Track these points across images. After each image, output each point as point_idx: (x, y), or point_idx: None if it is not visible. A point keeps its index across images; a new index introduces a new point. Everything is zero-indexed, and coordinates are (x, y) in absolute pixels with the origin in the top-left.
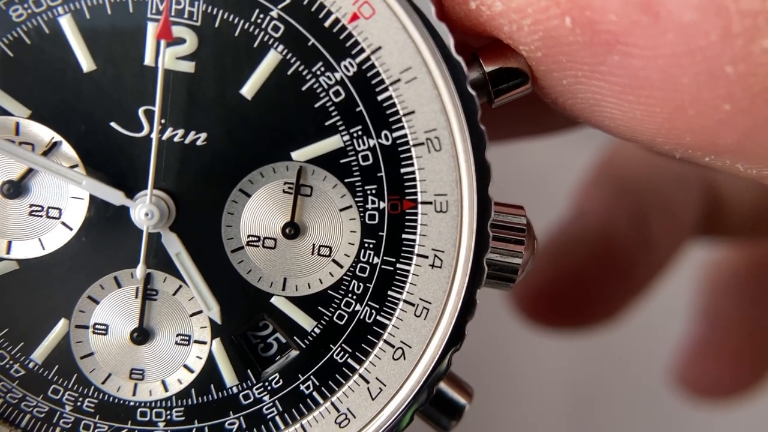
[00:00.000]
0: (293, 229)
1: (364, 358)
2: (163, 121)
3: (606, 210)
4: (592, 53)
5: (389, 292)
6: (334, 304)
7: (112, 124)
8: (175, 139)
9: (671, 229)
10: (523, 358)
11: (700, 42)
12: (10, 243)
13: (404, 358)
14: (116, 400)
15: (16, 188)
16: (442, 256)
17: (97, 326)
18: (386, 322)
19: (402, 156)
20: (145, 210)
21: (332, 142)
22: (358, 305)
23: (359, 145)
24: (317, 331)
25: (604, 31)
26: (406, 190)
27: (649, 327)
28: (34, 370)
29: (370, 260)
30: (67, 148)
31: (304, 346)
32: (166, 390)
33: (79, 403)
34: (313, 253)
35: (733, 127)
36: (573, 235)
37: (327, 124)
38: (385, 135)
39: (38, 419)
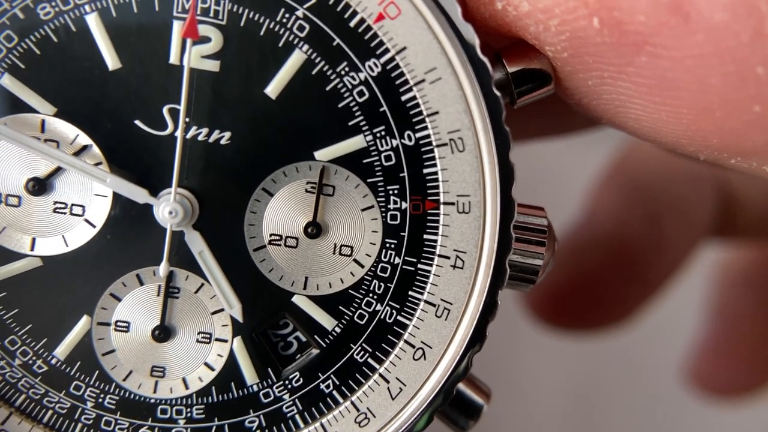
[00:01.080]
0: (315, 229)
1: (384, 358)
2: (187, 119)
3: (619, 211)
4: (619, 54)
5: (410, 293)
6: (354, 304)
7: (137, 122)
8: (200, 138)
9: (685, 229)
10: (533, 361)
11: (730, 43)
12: (34, 240)
13: (425, 359)
14: (137, 397)
15: (41, 185)
16: (464, 257)
17: (119, 323)
18: (407, 322)
19: (425, 156)
20: (168, 208)
21: (355, 142)
22: (378, 305)
23: (382, 146)
24: (338, 330)
25: (633, 31)
26: (429, 191)
27: (660, 328)
28: (57, 366)
29: (392, 260)
30: (91, 144)
31: (324, 345)
32: (187, 388)
33: (100, 400)
34: (334, 253)
35: (763, 129)
36: (586, 236)
37: (350, 124)
38: (409, 135)
39: (60, 415)
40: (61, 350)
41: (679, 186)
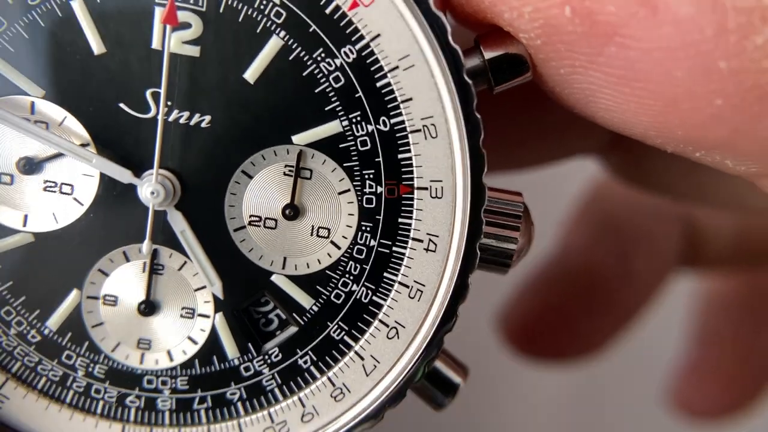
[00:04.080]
0: (293, 211)
1: (359, 336)
2: (169, 103)
3: (590, 245)
4: (589, 43)
5: (385, 274)
6: (331, 284)
7: (121, 105)
8: (181, 121)
9: (652, 263)
10: (514, 392)
11: (695, 36)
12: (26, 216)
13: (398, 338)
14: (125, 368)
15: (31, 165)
16: (436, 240)
17: (107, 297)
18: (381, 302)
19: (399, 142)
20: (151, 188)
21: (332, 127)
22: (354, 285)
23: (358, 131)
24: (315, 308)
25: (603, 22)
26: (403, 176)
27: (639, 355)
28: (49, 336)
29: (367, 242)
30: (78, 127)
31: (302, 323)
32: (172, 360)
33: (90, 369)
34: (312, 234)
35: (724, 122)
36: (557, 270)
37: (327, 109)
38: (384, 121)
39: (53, 382)
40: (53, 321)
41: (646, 221)
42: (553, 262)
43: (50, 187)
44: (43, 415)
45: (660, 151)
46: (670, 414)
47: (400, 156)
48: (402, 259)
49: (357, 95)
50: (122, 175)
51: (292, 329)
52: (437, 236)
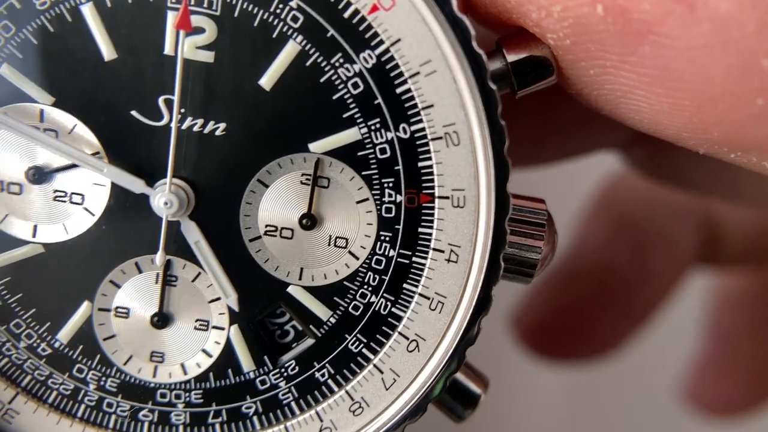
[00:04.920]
0: (310, 221)
1: (378, 349)
2: (182, 110)
3: (605, 242)
4: (622, 43)
5: (405, 285)
6: (349, 295)
7: (133, 112)
8: (195, 129)
9: (670, 260)
10: (527, 391)
11: (735, 34)
12: (35, 227)
13: (418, 351)
14: (137, 381)
15: (41, 174)
16: (458, 251)
17: (118, 309)
18: (401, 314)
19: (420, 150)
20: (164, 199)
21: (350, 135)
22: (373, 297)
23: (377, 138)
24: (333, 320)
25: (637, 20)
26: (424, 184)
27: (655, 352)
28: (60, 349)
29: (386, 253)
30: (89, 134)
31: (319, 335)
32: (185, 373)
33: (102, 382)
34: (329, 245)
35: (765, 123)
36: (574, 267)
37: (345, 116)
38: (404, 128)
39: (64, 396)
40: (64, 334)
41: (663, 217)
42: (568, 259)
43: (60, 196)
44: (54, 430)
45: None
46: (686, 411)
47: (420, 164)
48: (423, 270)
49: (376, 102)
50: (134, 184)
51: (309, 341)
52: (459, 246)
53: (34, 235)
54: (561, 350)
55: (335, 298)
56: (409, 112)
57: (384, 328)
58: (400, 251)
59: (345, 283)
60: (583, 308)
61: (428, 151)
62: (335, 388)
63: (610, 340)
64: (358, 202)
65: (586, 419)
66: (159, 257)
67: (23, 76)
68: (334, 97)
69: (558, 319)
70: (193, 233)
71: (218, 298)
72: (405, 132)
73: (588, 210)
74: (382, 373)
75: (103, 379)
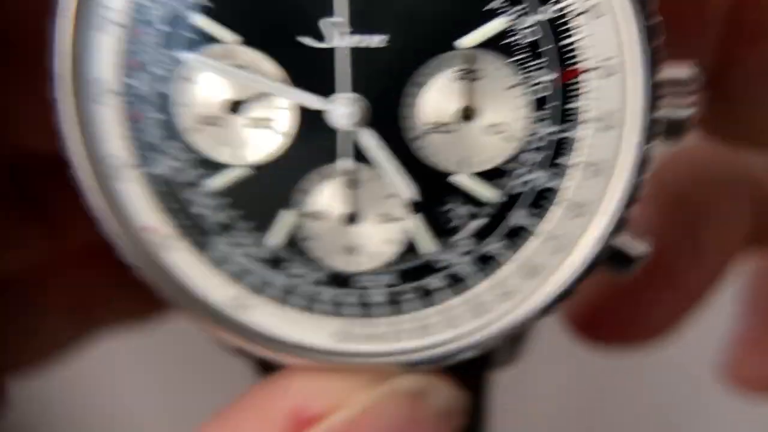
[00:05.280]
0: (466, 113)
1: (541, 219)
2: (350, 29)
3: (656, 222)
4: None
5: (562, 159)
6: (511, 176)
7: (305, 38)
8: (357, 44)
9: (722, 240)
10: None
11: None
12: (237, 152)
13: (581, 216)
14: (337, 272)
15: (237, 106)
16: (611, 118)
17: (312, 214)
18: (560, 186)
19: (565, 27)
20: (342, 110)
21: (494, 26)
22: (533, 174)
23: (521, 24)
24: (498, 200)
25: None
26: (572, 59)
27: (692, 334)
28: (271, 253)
29: (541, 132)
30: (272, 65)
31: (487, 215)
32: (376, 261)
33: (309, 277)
34: (487, 133)
35: None
36: None
37: (489, 8)
38: (547, 10)
39: (281, 290)
40: (272, 240)
41: (716, 197)
42: None
43: (253, 123)
44: (280, 319)
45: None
46: (726, 389)
47: (566, 41)
48: (579, 141)
49: None
50: (315, 102)
51: (479, 221)
52: (611, 114)
53: (237, 159)
54: (615, 335)
55: (498, 180)
56: None
57: (545, 201)
58: (556, 127)
59: (505, 166)
60: (636, 291)
61: (574, 27)
62: (507, 259)
63: (665, 322)
64: (509, 88)
65: (625, 398)
66: (345, 163)
67: (213, 21)
68: None
69: (608, 302)
70: (367, 139)
71: (395, 194)
72: (549, 12)
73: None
74: (550, 239)
75: (309, 273)
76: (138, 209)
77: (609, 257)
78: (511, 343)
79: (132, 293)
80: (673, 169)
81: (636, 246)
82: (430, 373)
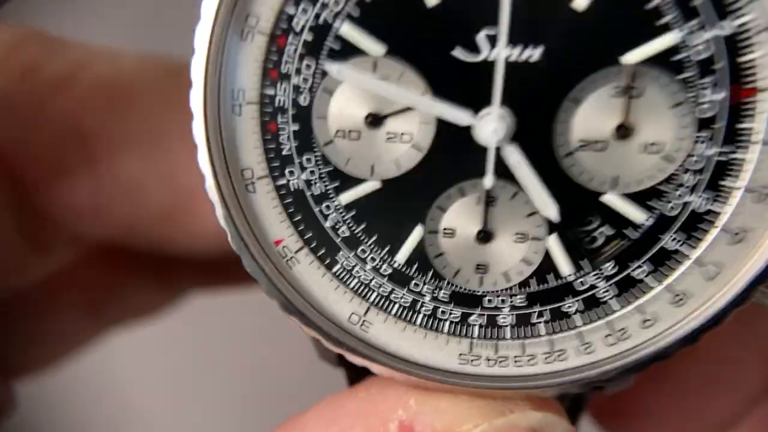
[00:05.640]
0: (624, 131)
1: (696, 246)
2: (508, 42)
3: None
4: None
5: (724, 182)
6: (664, 197)
7: (455, 51)
8: (513, 58)
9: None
10: None
11: None
12: (372, 166)
13: (743, 242)
14: (466, 290)
15: (376, 120)
16: None
17: (446, 230)
18: (720, 210)
19: (742, 45)
20: (492, 127)
21: (665, 41)
22: (690, 196)
23: (694, 40)
24: (648, 222)
25: None
26: (746, 78)
27: None
28: (398, 268)
29: (704, 153)
30: (416, 78)
31: (635, 237)
32: (509, 280)
33: (435, 294)
34: (643, 152)
35: None
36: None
37: (659, 23)
38: (724, 25)
39: (405, 307)
40: (401, 256)
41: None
42: None
43: (392, 137)
44: (401, 336)
45: None
46: None
47: (741, 59)
48: (743, 164)
49: (694, 2)
50: (461, 118)
51: (625, 243)
52: None
53: (372, 174)
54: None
55: (650, 202)
56: (732, 7)
57: (701, 225)
58: (719, 149)
59: (660, 187)
60: (690, 392)
61: (751, 44)
62: (654, 284)
63: (720, 425)
64: (672, 107)
65: None
66: (488, 180)
67: (359, 32)
68: (648, 6)
69: (659, 404)
70: (513, 155)
71: (534, 213)
72: (726, 29)
73: None
74: (703, 265)
75: (436, 291)
76: (270, 222)
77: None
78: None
79: (145, 289)
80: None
81: None
82: (554, 401)
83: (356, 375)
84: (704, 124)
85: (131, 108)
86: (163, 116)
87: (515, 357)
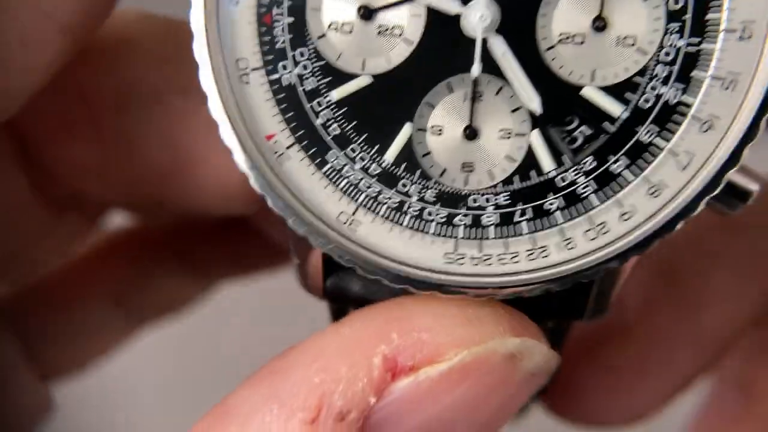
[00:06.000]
0: (601, 23)
1: (671, 135)
2: None
3: (649, 297)
4: None
5: (694, 72)
6: (640, 89)
7: None
8: None
9: (724, 321)
10: None
11: None
12: (364, 61)
13: (713, 129)
14: (452, 190)
15: (368, 12)
16: (752, 26)
17: (433, 128)
18: (692, 99)
19: None
20: (479, 13)
21: None
22: (663, 88)
23: None
24: (625, 115)
25: None
26: None
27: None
28: (387, 168)
29: (674, 44)
30: None
31: (613, 131)
32: (493, 179)
33: (422, 194)
34: (618, 45)
35: None
36: (609, 323)
37: None
38: None
39: (392, 208)
40: (390, 154)
41: (720, 273)
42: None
43: (383, 31)
44: (388, 236)
45: None
46: None
47: None
48: (712, 53)
49: None
50: (453, 6)
51: (603, 138)
52: (753, 21)
53: (363, 69)
54: (592, 415)
55: (626, 94)
56: None
57: (675, 115)
58: (689, 40)
59: (635, 78)
60: (619, 370)
61: None
62: (631, 177)
63: (651, 406)
64: (644, 0)
65: None
66: (475, 68)
67: None
68: None
69: (590, 381)
70: (499, 46)
71: (518, 108)
72: None
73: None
74: (676, 155)
75: (423, 191)
76: (263, 116)
77: (723, 191)
78: (602, 291)
79: (172, 279)
80: (670, 244)
81: (750, 182)
82: (533, 325)
83: (340, 310)
84: (675, 15)
85: (131, 64)
86: (164, 72)
87: (499, 255)
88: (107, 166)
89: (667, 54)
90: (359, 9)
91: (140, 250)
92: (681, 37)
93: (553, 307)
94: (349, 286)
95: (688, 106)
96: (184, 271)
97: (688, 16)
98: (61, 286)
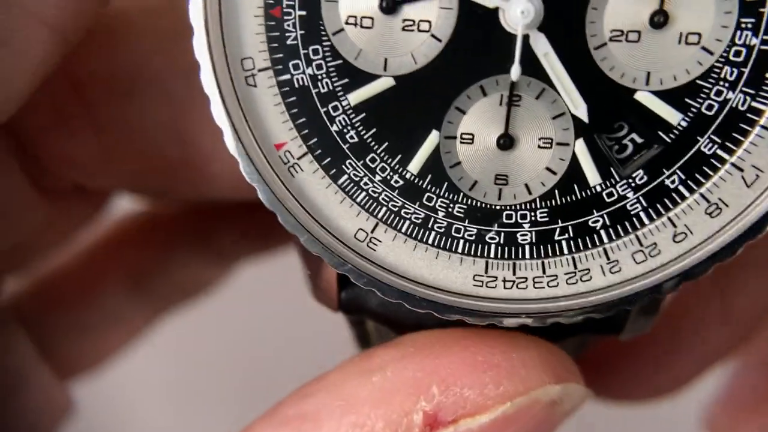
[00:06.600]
0: (662, 17)
1: (735, 148)
2: None
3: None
4: None
5: None
6: (702, 94)
7: None
8: None
9: (754, 303)
10: None
11: None
12: (386, 60)
13: None
14: (483, 205)
15: (391, 4)
16: None
17: (464, 136)
18: (764, 107)
19: None
20: (521, 7)
21: None
22: (730, 93)
23: None
24: (683, 124)
25: None
26: None
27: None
28: (411, 180)
29: (747, 41)
30: None
31: (668, 141)
32: (530, 193)
33: (450, 209)
34: (680, 43)
35: None
36: None
37: None
38: None
39: (416, 224)
40: (414, 165)
41: (751, 252)
42: None
43: (408, 26)
44: (411, 256)
45: None
46: None
47: None
48: None
49: None
50: None
51: (657, 148)
52: None
53: (385, 69)
54: (621, 391)
55: (686, 100)
56: None
57: (742, 124)
58: (764, 37)
59: (697, 82)
60: (648, 347)
61: None
62: (687, 193)
63: (678, 382)
64: None
65: None
66: (514, 70)
67: None
68: None
69: (622, 357)
70: (542, 45)
71: (561, 114)
72: None
73: None
74: (741, 171)
75: (451, 205)
76: (272, 123)
77: None
78: (644, 309)
79: (190, 261)
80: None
81: None
82: (573, 366)
83: (359, 325)
84: (750, 8)
85: (130, 51)
86: (165, 58)
87: (535, 278)
88: (108, 158)
89: (738, 54)
90: (381, 1)
91: (156, 233)
92: (755, 34)
93: (589, 323)
94: (366, 300)
95: (759, 113)
96: (202, 253)
97: (767, 9)
98: (76, 277)
